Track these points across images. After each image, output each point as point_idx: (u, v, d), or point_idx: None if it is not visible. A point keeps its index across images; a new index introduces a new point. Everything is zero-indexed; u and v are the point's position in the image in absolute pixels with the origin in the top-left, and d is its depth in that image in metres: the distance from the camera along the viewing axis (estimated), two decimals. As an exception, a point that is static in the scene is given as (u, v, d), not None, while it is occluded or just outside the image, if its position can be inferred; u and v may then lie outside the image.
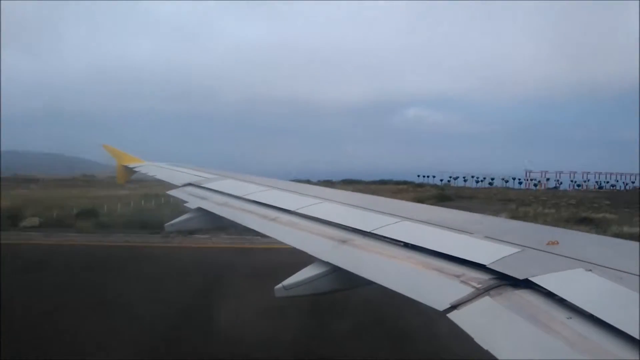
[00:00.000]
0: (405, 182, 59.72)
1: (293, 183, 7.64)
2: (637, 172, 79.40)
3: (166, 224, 6.37)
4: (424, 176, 73.68)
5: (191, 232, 20.17)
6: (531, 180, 75.27)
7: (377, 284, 3.03)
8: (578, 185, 74.94)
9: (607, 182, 79.32)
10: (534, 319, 2.17)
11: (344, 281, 3.44)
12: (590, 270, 2.50)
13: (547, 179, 77.28)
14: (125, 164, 13.29)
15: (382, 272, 3.17)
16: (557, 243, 3.00)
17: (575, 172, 79.76)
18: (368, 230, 3.85)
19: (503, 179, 73.11)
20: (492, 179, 72.94)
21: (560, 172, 79.02)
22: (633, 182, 78.72)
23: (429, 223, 3.86)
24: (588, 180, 79.14)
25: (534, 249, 2.96)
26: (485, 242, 3.24)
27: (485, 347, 2.06)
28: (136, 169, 12.71)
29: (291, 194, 5.88)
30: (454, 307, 2.44)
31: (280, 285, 3.47)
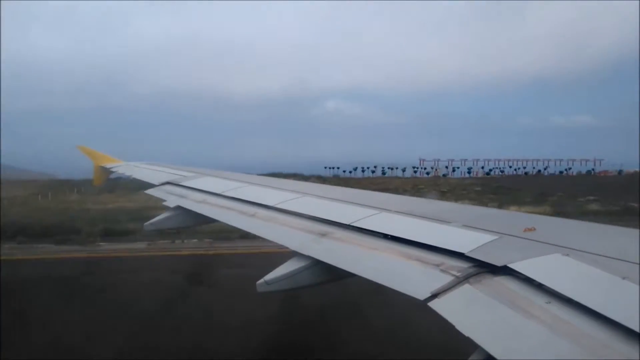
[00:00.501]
0: (294, 175, 56.67)
1: (272, 178, 7.58)
2: (530, 157, 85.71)
3: (145, 224, 6.26)
4: (330, 167, 74.53)
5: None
6: (424, 168, 77.92)
7: (358, 275, 3.02)
8: (469, 172, 78.32)
9: (497, 168, 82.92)
10: (513, 304, 2.19)
11: (325, 274, 3.43)
12: (567, 255, 2.53)
13: (446, 167, 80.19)
14: (102, 165, 13.05)
15: (363, 264, 3.16)
16: (534, 229, 3.03)
17: (466, 160, 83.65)
18: (347, 223, 3.83)
19: (391, 168, 75.19)
20: (390, 168, 74.83)
21: (452, 160, 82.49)
22: (524, 168, 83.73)
23: (407, 214, 3.87)
24: (482, 167, 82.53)
25: (511, 235, 2.98)
26: (463, 230, 3.25)
27: (467, 334, 2.07)
28: (113, 169, 12.48)
29: (270, 189, 5.83)
30: (434, 296, 2.45)
31: (262, 280, 3.44)
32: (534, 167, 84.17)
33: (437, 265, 2.79)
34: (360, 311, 11.64)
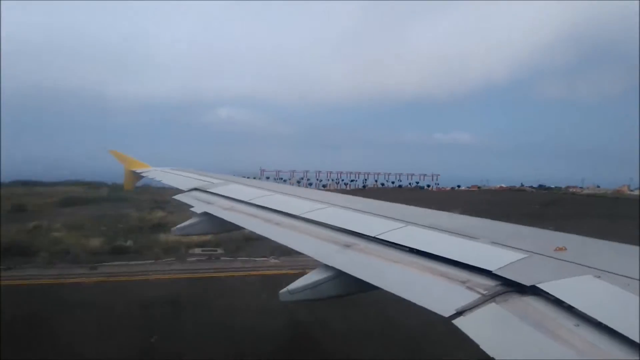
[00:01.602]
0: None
1: (299, 188, 7.62)
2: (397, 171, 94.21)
3: (172, 229, 6.39)
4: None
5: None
6: (267, 178, 79.14)
7: (382, 289, 3.00)
8: (324, 185, 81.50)
9: (333, 180, 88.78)
10: (540, 326, 2.13)
11: (349, 286, 3.41)
12: (599, 276, 2.45)
13: (275, 178, 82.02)
14: (133, 170, 13.36)
15: (387, 277, 3.14)
16: (565, 249, 2.95)
17: (320, 172, 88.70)
18: (372, 235, 3.81)
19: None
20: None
21: (294, 171, 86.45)
22: (391, 180, 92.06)
23: (434, 228, 3.83)
24: (341, 180, 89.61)
25: (541, 254, 2.91)
26: (491, 247, 3.20)
27: (491, 354, 2.02)
28: (143, 174, 12.76)
29: (296, 199, 5.87)
30: (459, 314, 2.40)
31: (285, 289, 3.45)
32: (375, 180, 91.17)
33: (463, 282, 2.74)
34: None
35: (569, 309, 2.20)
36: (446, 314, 2.42)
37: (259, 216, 5.32)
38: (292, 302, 3.48)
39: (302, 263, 14.97)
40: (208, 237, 18.56)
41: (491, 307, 2.41)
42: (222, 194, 6.99)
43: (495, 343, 2.14)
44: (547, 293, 2.37)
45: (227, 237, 19.48)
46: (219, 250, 19.75)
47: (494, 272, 2.72)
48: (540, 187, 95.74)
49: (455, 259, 3.02)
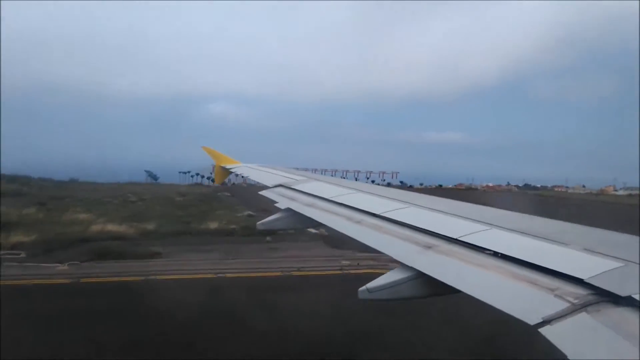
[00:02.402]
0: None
1: (379, 187, 7.62)
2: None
3: (257, 223, 6.67)
4: (184, 172, 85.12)
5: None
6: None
7: (464, 292, 2.95)
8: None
9: None
10: (636, 339, 2.00)
11: (428, 288, 3.38)
12: None
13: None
14: (223, 165, 14.06)
15: (469, 281, 3.08)
16: None
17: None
18: (455, 237, 3.75)
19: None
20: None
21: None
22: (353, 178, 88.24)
23: (521, 232, 3.67)
24: None
25: (639, 264, 2.71)
26: (584, 254, 3.02)
27: None
28: (232, 170, 13.39)
29: (377, 198, 5.88)
30: (546, 322, 2.32)
31: (364, 287, 3.50)
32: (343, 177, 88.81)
33: (552, 290, 2.63)
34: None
35: None
36: (532, 322, 2.35)
37: (340, 214, 5.41)
38: (371, 300, 3.51)
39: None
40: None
41: (582, 317, 2.30)
42: (305, 190, 7.18)
43: (585, 355, 2.04)
44: None
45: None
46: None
47: (585, 280, 2.58)
48: (526, 186, 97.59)
49: (544, 265, 2.90)
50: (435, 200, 5.63)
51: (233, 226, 30.65)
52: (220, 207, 41.25)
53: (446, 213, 4.67)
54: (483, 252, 3.40)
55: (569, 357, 2.01)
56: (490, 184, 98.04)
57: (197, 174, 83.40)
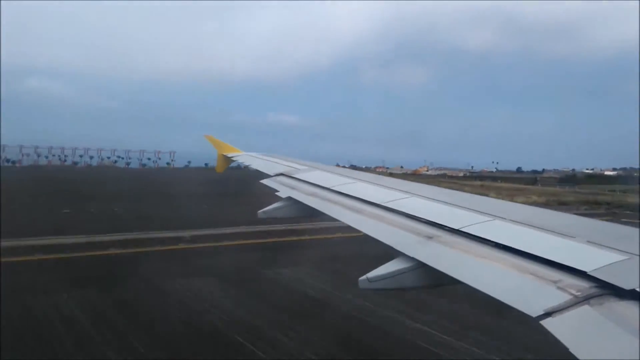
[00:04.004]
0: None
1: (380, 176, 7.58)
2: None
3: (259, 212, 6.64)
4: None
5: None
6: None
7: (465, 283, 2.92)
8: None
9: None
10: (639, 332, 1.97)
11: (429, 278, 3.36)
12: None
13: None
14: (225, 154, 14.04)
15: (470, 272, 3.05)
16: None
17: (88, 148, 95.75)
18: (456, 228, 3.72)
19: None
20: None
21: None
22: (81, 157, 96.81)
23: (523, 223, 3.64)
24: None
25: None
26: (588, 246, 2.99)
27: (582, 358, 1.92)
28: (234, 159, 13.37)
29: (378, 187, 5.85)
30: (548, 314, 2.29)
31: (364, 277, 3.48)
32: (91, 157, 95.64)
33: (554, 282, 2.60)
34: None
35: None
36: (534, 314, 2.32)
37: (342, 203, 5.38)
38: (371, 290, 3.49)
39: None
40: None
41: (584, 310, 2.27)
42: (306, 179, 7.14)
43: (587, 348, 2.02)
44: None
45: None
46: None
47: (588, 273, 2.55)
48: (352, 167, 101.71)
49: (546, 257, 2.87)
50: (437, 190, 5.59)
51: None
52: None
53: (448, 204, 4.64)
54: (485, 244, 3.37)
55: (570, 350, 1.99)
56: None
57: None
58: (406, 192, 5.31)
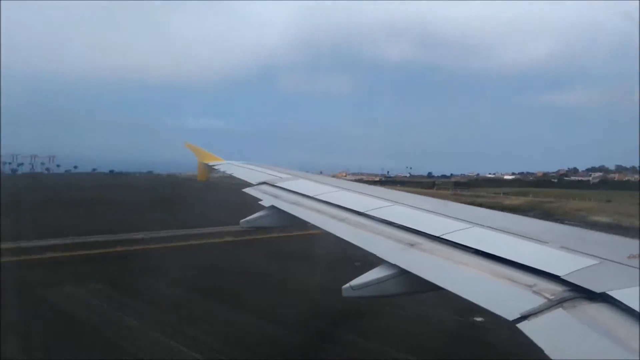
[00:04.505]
0: None
1: (364, 185, 7.65)
2: None
3: (241, 221, 6.60)
4: None
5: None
6: None
7: (446, 289, 3.01)
8: None
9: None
10: (610, 334, 2.08)
11: (411, 285, 3.44)
12: None
13: None
14: (206, 162, 13.91)
15: (451, 278, 3.14)
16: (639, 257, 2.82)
17: None
18: (437, 235, 3.81)
19: None
20: None
21: None
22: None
23: (501, 230, 3.76)
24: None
25: (613, 261, 2.80)
26: (561, 252, 3.11)
27: None
28: (215, 167, 13.26)
29: (361, 196, 5.92)
30: (524, 318, 2.39)
31: (347, 285, 3.53)
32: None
33: (530, 286, 2.70)
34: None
35: None
36: (510, 318, 2.41)
37: (325, 212, 5.43)
38: (355, 298, 3.55)
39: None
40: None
41: (558, 313, 2.37)
42: (289, 188, 7.15)
43: (561, 350, 2.11)
44: (618, 301, 2.29)
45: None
46: None
47: (562, 277, 2.66)
48: None
49: (522, 263, 2.98)
50: (420, 198, 5.69)
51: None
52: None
53: (430, 211, 4.74)
54: (464, 250, 3.47)
55: (545, 352, 2.08)
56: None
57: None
58: (389, 200, 5.39)
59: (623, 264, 2.75)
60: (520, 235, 3.56)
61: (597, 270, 2.71)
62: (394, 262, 3.51)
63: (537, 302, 2.49)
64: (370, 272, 3.58)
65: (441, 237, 3.77)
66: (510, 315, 2.43)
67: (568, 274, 2.68)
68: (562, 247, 3.17)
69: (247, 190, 8.14)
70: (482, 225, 3.94)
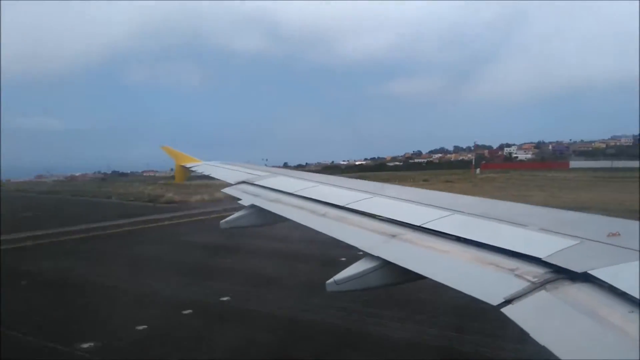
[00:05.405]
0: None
1: (343, 178, 7.65)
2: None
3: (221, 222, 6.53)
4: None
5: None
6: None
7: (429, 278, 3.00)
8: None
9: None
10: (593, 313, 2.09)
11: (395, 276, 3.43)
12: None
13: None
14: (183, 164, 13.77)
15: (434, 266, 3.14)
16: (619, 234, 2.85)
17: None
18: (418, 224, 3.81)
19: None
20: None
21: None
22: None
23: (481, 216, 3.78)
24: None
25: (593, 240, 2.83)
26: (541, 234, 3.13)
27: (542, 343, 2.01)
28: (193, 169, 13.14)
29: (341, 189, 5.91)
30: (508, 302, 2.39)
31: (331, 279, 3.51)
32: None
33: (512, 270, 2.71)
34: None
35: (623, 295, 2.15)
36: (494, 303, 2.41)
37: (305, 207, 5.40)
38: (340, 292, 3.53)
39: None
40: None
41: (541, 295, 2.38)
42: (268, 186, 7.11)
43: (545, 331, 2.11)
44: (600, 280, 2.31)
45: None
46: None
47: (543, 259, 2.67)
48: (114, 172, 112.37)
49: (504, 247, 2.99)
50: (400, 189, 5.70)
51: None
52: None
53: (410, 201, 4.75)
54: (446, 238, 3.48)
55: (530, 334, 2.08)
56: (77, 174, 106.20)
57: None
58: (369, 192, 5.39)
59: (603, 243, 2.78)
60: (501, 220, 3.58)
61: (577, 251, 2.73)
62: (376, 254, 3.50)
63: (519, 285, 2.50)
64: (354, 265, 3.56)
65: (422, 226, 3.77)
66: (494, 300, 2.43)
67: (549, 255, 2.69)
68: (542, 229, 3.20)
69: (226, 190, 8.07)
70: (462, 212, 3.95)
